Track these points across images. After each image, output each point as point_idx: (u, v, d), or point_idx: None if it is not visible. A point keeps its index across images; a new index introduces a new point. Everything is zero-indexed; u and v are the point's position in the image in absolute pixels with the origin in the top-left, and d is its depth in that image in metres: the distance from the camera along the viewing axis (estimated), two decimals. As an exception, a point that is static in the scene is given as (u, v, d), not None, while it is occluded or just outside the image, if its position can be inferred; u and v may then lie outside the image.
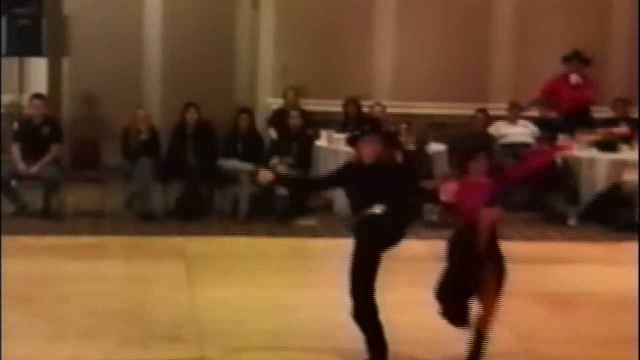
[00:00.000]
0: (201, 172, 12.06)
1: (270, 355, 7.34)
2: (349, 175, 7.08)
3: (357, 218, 6.85)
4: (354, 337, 6.89)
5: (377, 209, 6.74)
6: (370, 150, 6.95)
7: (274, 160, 12.13)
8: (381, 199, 6.77)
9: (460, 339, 7.58)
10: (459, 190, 6.77)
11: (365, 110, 13.24)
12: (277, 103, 13.80)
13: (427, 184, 11.93)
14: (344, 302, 6.89)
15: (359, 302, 6.71)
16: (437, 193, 7.00)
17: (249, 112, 12.60)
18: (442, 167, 12.40)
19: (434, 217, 11.88)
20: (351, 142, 7.19)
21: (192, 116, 12.27)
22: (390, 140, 7.23)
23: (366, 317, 6.72)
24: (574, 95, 13.71)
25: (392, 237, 6.81)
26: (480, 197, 6.79)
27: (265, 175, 7.31)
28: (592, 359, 7.52)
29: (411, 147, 12.18)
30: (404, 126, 12.56)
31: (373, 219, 6.74)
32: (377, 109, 12.97)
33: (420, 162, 12.05)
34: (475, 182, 6.87)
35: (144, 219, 11.63)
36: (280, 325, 7.98)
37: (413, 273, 9.56)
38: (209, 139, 12.27)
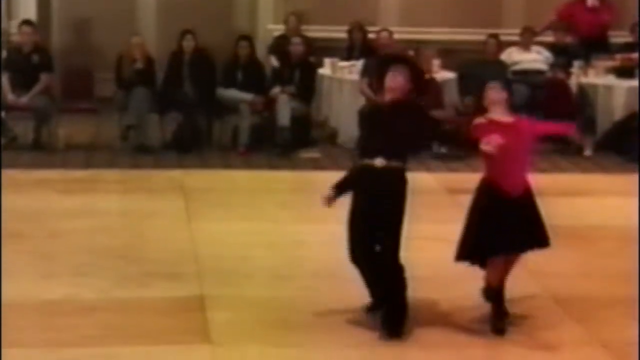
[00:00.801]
0: (199, 102, 11.97)
1: (273, 292, 7.33)
2: (370, 119, 6.91)
3: (357, 166, 6.73)
4: (358, 274, 6.85)
5: (378, 162, 6.61)
6: (396, 83, 6.71)
7: (275, 90, 12.04)
8: (394, 144, 6.64)
9: (465, 277, 7.54)
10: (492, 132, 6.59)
11: (371, 36, 13.10)
12: (278, 29, 13.66)
13: (437, 114, 11.89)
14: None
15: (354, 249, 6.64)
16: (453, 132, 6.84)
17: (248, 39, 12.49)
18: (451, 95, 12.31)
19: (443, 149, 11.82)
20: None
21: (189, 43, 12.16)
22: (417, 73, 6.96)
23: (362, 262, 6.67)
24: (591, 19, 13.55)
25: (388, 195, 6.65)
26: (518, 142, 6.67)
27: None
28: (608, 293, 7.50)
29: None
30: (411, 53, 12.44)
31: (372, 173, 6.61)
32: (384, 35, 12.82)
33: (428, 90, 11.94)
34: (507, 123, 6.73)
35: (139, 152, 11.57)
36: (282, 261, 7.96)
37: (420, 207, 9.51)
38: (206, 68, 12.17)
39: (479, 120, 6.83)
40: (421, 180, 10.55)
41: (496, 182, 6.72)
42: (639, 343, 6.43)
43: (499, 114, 6.82)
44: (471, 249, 6.77)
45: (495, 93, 6.85)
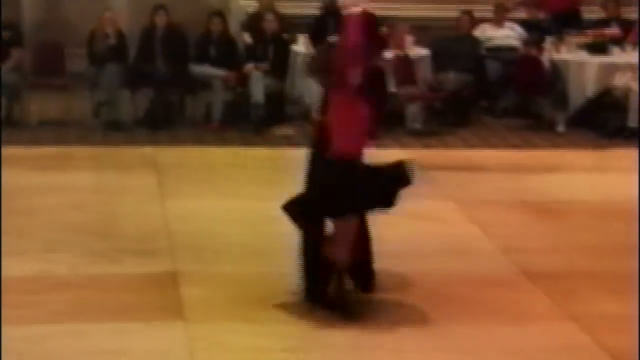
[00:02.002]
0: (171, 78, 11.90)
1: (246, 269, 7.31)
2: None
3: None
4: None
5: None
6: None
7: (249, 66, 11.98)
8: None
9: (440, 251, 7.59)
10: None
11: (344, 12, 13.03)
12: (251, 5, 13.58)
13: (409, 90, 11.90)
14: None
15: None
16: None
17: (221, 14, 12.42)
18: (424, 72, 12.29)
19: (417, 125, 11.82)
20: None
21: (161, 19, 12.07)
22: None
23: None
24: (563, -6, 13.56)
25: None
26: None
27: None
28: (581, 268, 7.53)
29: (392, 51, 12.05)
30: (384, 29, 12.39)
31: None
32: (356, 9, 12.75)
33: (401, 67, 11.94)
34: None
35: (111, 128, 11.50)
36: (255, 237, 7.94)
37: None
38: (179, 43, 12.10)
39: None
40: (393, 156, 10.56)
41: None
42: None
43: None
44: None
45: None
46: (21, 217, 8.33)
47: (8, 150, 10.36)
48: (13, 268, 7.16)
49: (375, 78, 6.66)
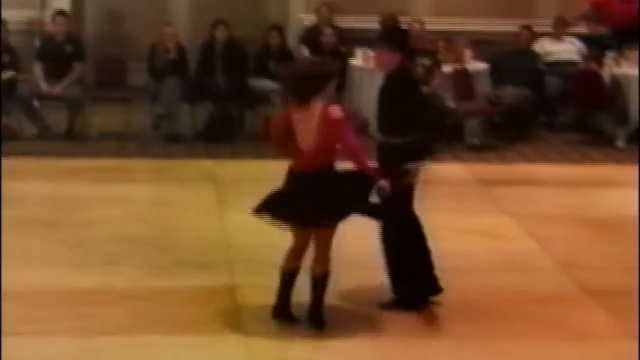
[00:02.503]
0: (230, 92, 11.98)
1: (305, 281, 7.32)
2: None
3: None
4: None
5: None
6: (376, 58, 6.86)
7: (307, 80, 12.00)
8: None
9: (498, 266, 7.55)
10: None
11: (403, 26, 13.03)
12: (309, 19, 13.63)
13: (468, 105, 11.87)
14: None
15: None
16: None
17: (280, 28, 12.48)
18: (483, 86, 12.25)
19: (476, 140, 11.78)
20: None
21: (221, 33, 12.17)
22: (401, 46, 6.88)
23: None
24: (625, 8, 13.40)
25: None
26: None
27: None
28: (641, 287, 7.45)
29: (451, 65, 12.04)
30: (442, 43, 12.40)
31: None
32: (416, 25, 12.77)
33: (460, 81, 11.92)
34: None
35: (171, 141, 11.60)
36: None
37: (449, 198, 9.51)
38: (238, 57, 12.18)
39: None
40: (452, 171, 10.55)
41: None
42: (639, 337, 6.38)
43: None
44: None
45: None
46: (82, 229, 8.43)
47: (70, 163, 10.51)
48: (75, 280, 7.25)
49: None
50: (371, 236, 7.00)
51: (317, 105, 6.47)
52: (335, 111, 6.42)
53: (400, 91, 6.75)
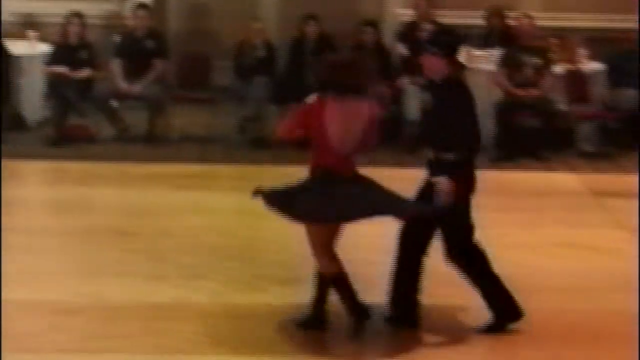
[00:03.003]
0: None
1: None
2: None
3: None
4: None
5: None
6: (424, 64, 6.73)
7: (403, 80, 11.96)
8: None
9: (610, 286, 7.38)
10: None
11: (511, 22, 12.91)
12: (407, 14, 13.56)
13: (582, 109, 11.69)
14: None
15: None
16: None
17: (374, 24, 12.45)
18: (598, 89, 12.06)
19: (590, 147, 11.60)
20: None
21: (311, 29, 12.18)
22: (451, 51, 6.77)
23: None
24: None
25: None
26: None
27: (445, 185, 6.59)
28: None
29: (563, 65, 11.89)
30: (554, 41, 12.24)
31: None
32: (525, 21, 12.62)
33: (573, 83, 11.76)
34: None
35: (257, 146, 11.62)
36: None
37: (560, 210, 9.38)
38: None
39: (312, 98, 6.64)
40: (563, 181, 10.40)
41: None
42: None
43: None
44: None
45: None
46: (159, 239, 8.47)
47: (149, 167, 10.59)
48: (150, 294, 7.27)
49: None
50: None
51: (364, 102, 6.46)
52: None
53: (452, 101, 6.62)
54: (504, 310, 6.70)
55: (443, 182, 6.44)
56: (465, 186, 6.59)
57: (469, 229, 6.68)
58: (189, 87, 12.42)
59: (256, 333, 6.71)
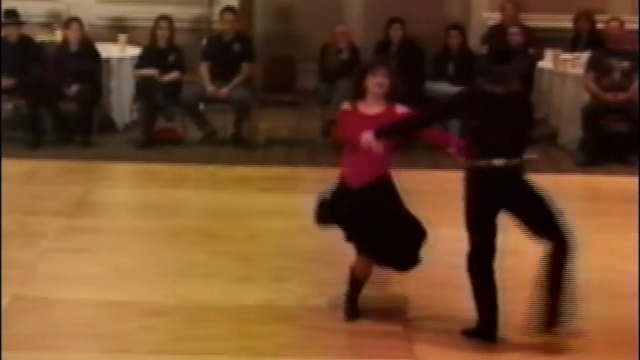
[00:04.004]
0: (406, 96, 11.89)
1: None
2: (474, 103, 6.74)
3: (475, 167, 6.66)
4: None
5: (497, 161, 6.44)
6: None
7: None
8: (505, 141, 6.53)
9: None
10: None
11: (600, 26, 12.76)
12: (493, 17, 13.49)
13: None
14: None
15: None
16: None
17: (460, 27, 12.40)
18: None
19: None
20: None
21: (396, 33, 12.16)
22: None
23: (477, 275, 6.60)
24: None
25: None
26: None
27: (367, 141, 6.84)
28: None
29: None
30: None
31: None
32: (614, 24, 12.46)
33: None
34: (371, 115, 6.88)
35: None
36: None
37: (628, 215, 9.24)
38: (415, 59, 12.13)
39: (345, 106, 6.76)
40: (625, 184, 10.25)
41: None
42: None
43: (369, 103, 6.74)
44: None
45: (376, 79, 6.62)
46: (246, 241, 8.51)
47: (236, 170, 10.64)
48: (237, 296, 7.30)
49: None
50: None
51: (398, 108, 6.50)
52: None
53: (515, 108, 6.64)
54: (484, 323, 6.62)
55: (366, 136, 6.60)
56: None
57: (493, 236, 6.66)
58: (275, 90, 12.48)
59: (344, 337, 6.72)
